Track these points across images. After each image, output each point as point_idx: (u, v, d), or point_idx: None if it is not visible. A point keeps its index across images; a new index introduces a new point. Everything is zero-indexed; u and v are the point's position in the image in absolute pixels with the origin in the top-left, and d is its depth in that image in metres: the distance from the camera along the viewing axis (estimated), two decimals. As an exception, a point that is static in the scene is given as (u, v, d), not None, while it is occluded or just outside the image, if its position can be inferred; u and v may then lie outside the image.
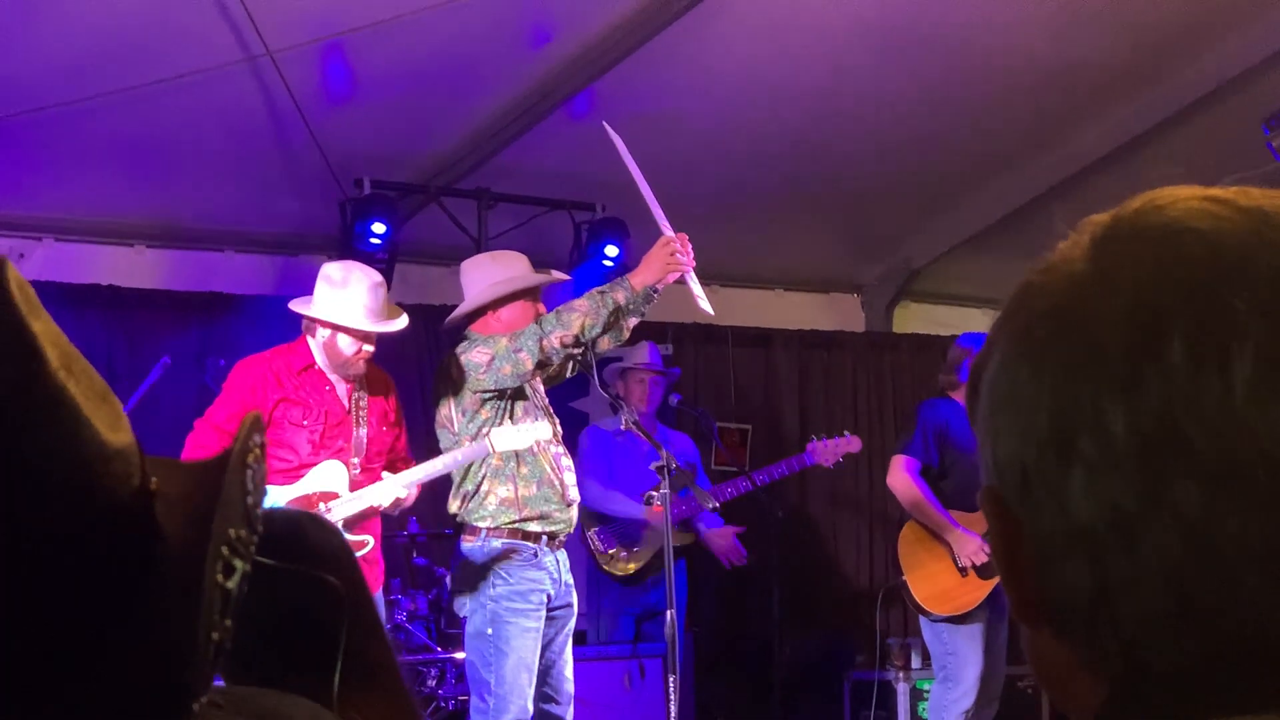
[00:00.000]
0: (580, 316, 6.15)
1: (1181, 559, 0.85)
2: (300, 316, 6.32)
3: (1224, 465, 0.84)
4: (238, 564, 0.93)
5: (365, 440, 6.32)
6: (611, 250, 8.98)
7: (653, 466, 6.61)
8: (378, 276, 6.31)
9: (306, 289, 6.38)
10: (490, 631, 6.17)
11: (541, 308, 6.45)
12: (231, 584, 0.93)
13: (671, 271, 6.19)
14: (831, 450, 8.73)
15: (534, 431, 6.09)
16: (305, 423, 6.21)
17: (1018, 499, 0.92)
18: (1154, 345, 0.86)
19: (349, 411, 6.30)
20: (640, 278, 6.22)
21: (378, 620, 1.01)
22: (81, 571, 0.91)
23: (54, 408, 0.93)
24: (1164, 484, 0.85)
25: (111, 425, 0.95)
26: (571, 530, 6.46)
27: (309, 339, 6.33)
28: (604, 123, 6.43)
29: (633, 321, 6.43)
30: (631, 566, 8.52)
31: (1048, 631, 0.93)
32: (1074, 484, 0.88)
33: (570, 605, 6.44)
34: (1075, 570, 0.89)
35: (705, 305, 6.30)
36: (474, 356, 6.27)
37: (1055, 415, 0.89)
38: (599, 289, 6.23)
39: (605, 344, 6.48)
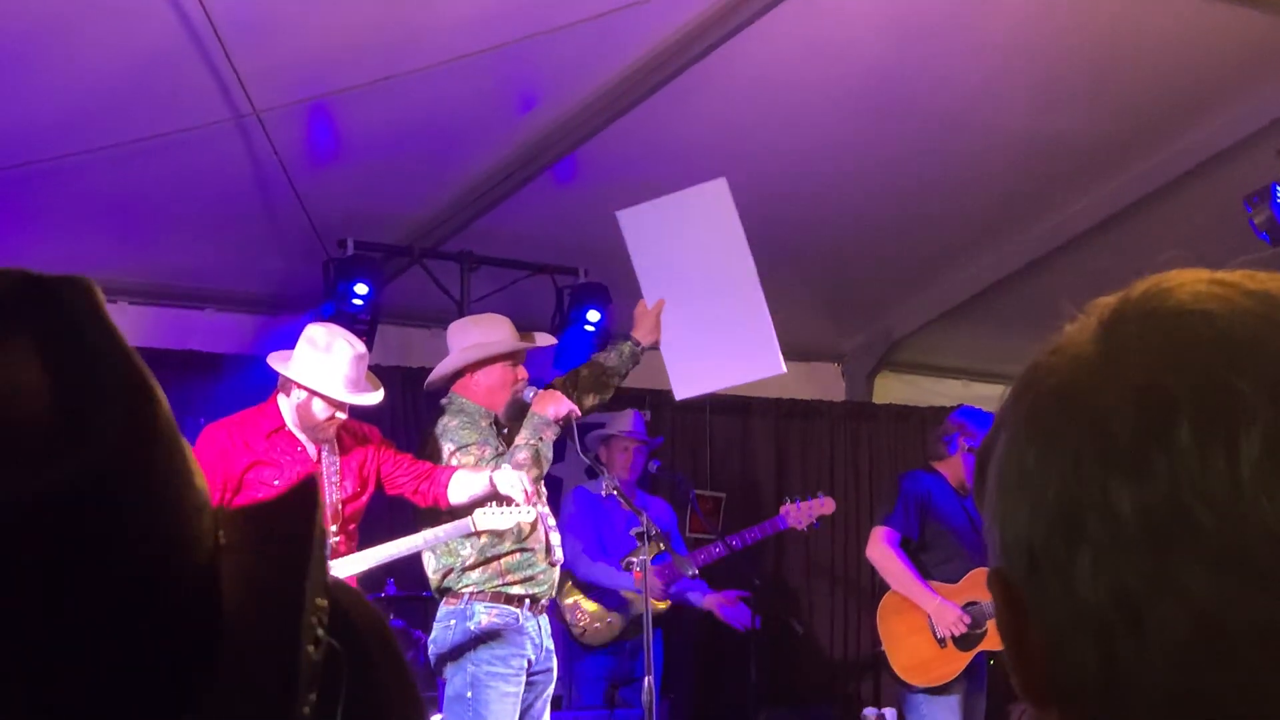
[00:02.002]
0: (526, 465, 6.24)
1: (1189, 642, 0.85)
2: (277, 372, 6.29)
3: (1231, 548, 0.84)
4: (321, 634, 0.89)
5: (341, 505, 6.27)
6: (593, 315, 8.98)
7: (633, 533, 6.62)
8: (362, 347, 6.29)
9: (287, 348, 6.34)
10: (470, 695, 6.17)
11: (521, 372, 6.52)
12: (318, 656, 0.88)
13: (566, 409, 6.39)
14: (805, 513, 8.69)
15: (517, 514, 6.10)
16: (277, 483, 6.14)
17: (1025, 580, 0.92)
18: (1162, 428, 0.86)
19: (321, 473, 6.26)
20: (548, 412, 6.37)
21: (395, 700, 0.95)
22: (173, 632, 0.87)
23: (174, 451, 0.89)
24: (1171, 565, 0.85)
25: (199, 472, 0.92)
26: (554, 593, 6.47)
27: (280, 396, 6.28)
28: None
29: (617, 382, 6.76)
30: (607, 636, 8.46)
31: (1055, 714, 0.93)
32: (1081, 565, 0.88)
33: (550, 670, 6.44)
34: (1082, 651, 0.89)
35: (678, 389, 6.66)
36: (457, 435, 6.41)
37: (1063, 496, 0.89)
38: (529, 434, 6.35)
39: (590, 400, 6.65)
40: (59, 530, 0.83)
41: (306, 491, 0.96)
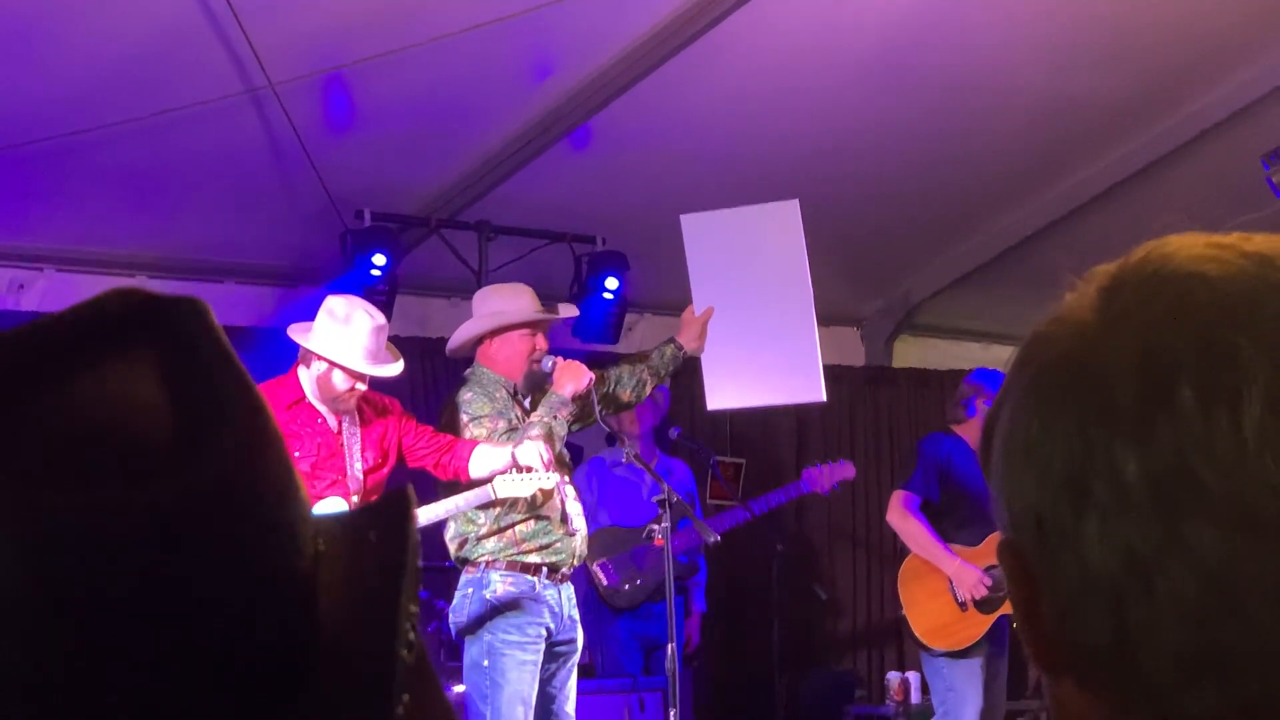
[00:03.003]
0: (540, 436, 6.24)
1: (1200, 603, 0.85)
2: (298, 345, 6.30)
3: (1238, 507, 0.84)
4: (413, 639, 0.90)
5: (361, 475, 6.28)
6: (611, 283, 8.98)
7: (654, 500, 6.64)
8: (381, 319, 6.29)
9: (307, 320, 6.35)
10: (486, 663, 6.20)
11: (541, 342, 6.52)
12: (410, 661, 0.89)
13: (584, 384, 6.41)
14: (827, 477, 8.71)
15: (537, 480, 6.11)
16: (298, 455, 6.14)
17: (1034, 549, 0.92)
18: (1164, 391, 0.86)
19: (342, 444, 6.27)
20: (566, 389, 6.39)
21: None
22: (280, 639, 0.89)
23: (284, 463, 0.91)
24: (1178, 527, 0.85)
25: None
26: (576, 562, 6.48)
27: (301, 369, 6.28)
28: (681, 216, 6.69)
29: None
30: (635, 598, 8.49)
31: (1070, 681, 0.93)
32: (1089, 531, 0.88)
33: (574, 640, 6.46)
34: (1095, 618, 0.89)
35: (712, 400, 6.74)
36: (470, 407, 6.42)
37: (1068, 463, 0.89)
38: (545, 412, 6.36)
39: (628, 396, 6.69)
40: (180, 540, 0.85)
41: (401, 499, 0.97)
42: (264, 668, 0.88)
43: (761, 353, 6.66)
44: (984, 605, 7.33)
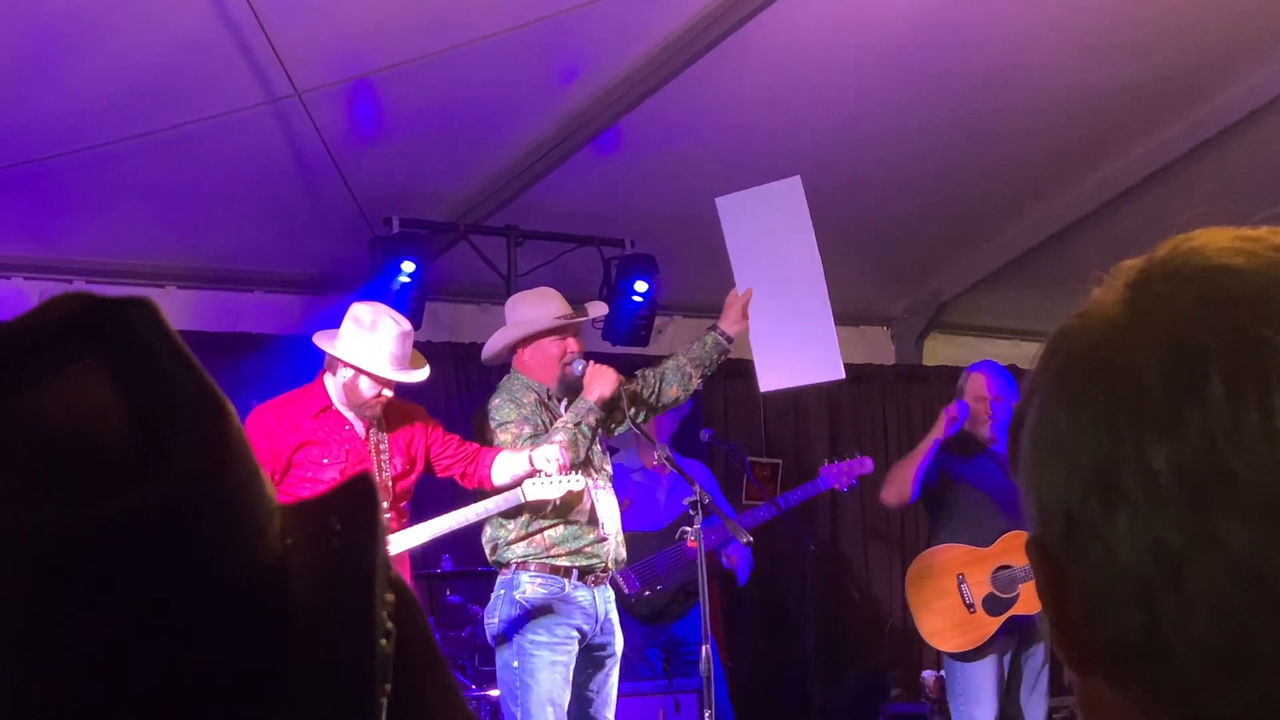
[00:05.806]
0: (566, 447, 6.25)
1: (1231, 596, 0.84)
2: (324, 352, 6.31)
3: (1268, 499, 0.83)
4: (390, 627, 0.90)
5: (391, 483, 6.29)
6: (641, 286, 8.97)
7: (686, 502, 6.63)
8: (406, 325, 6.30)
9: (335, 327, 6.36)
10: (516, 665, 6.23)
11: (572, 344, 6.53)
12: (389, 649, 0.89)
13: (612, 388, 6.41)
14: (844, 473, 8.70)
15: (566, 483, 6.12)
16: (326, 461, 6.16)
17: (1063, 545, 0.92)
18: (1193, 383, 0.85)
19: (370, 451, 6.28)
20: (593, 394, 6.39)
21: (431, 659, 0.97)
22: (252, 636, 0.89)
23: (247, 461, 0.90)
24: (1209, 520, 0.84)
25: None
26: (612, 565, 6.47)
27: (327, 375, 6.30)
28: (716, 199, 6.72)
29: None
30: (657, 606, 8.46)
31: (1100, 678, 0.92)
32: (1119, 525, 0.87)
33: (611, 644, 6.45)
34: (1125, 613, 0.88)
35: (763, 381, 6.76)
36: (497, 413, 6.47)
37: (1097, 458, 0.88)
38: (570, 418, 6.36)
39: (674, 392, 6.68)
40: (146, 550, 0.84)
41: (364, 486, 0.96)
42: (238, 668, 0.87)
43: (792, 332, 6.67)
44: (992, 607, 7.28)
